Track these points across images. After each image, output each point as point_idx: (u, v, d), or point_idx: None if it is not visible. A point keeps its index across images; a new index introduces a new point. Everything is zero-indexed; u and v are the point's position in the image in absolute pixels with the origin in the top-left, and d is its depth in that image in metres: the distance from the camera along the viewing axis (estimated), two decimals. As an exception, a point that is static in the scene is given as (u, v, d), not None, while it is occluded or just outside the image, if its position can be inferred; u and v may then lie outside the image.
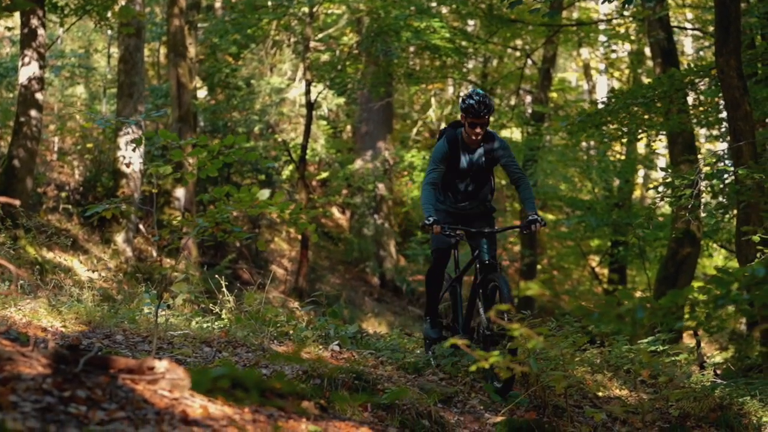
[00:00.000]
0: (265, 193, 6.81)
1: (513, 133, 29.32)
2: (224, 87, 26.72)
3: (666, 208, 23.22)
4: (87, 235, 20.44)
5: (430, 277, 9.78)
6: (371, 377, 8.11)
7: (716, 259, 26.41)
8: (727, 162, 12.79)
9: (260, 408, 5.70)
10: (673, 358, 10.20)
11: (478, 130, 8.86)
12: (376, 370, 8.67)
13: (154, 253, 20.26)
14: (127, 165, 19.73)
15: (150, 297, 10.29)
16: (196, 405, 5.25)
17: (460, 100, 8.90)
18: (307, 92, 24.40)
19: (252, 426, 5.14)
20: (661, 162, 27.43)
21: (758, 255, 10.70)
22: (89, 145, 23.57)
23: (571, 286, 29.13)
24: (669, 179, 12.39)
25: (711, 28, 19.29)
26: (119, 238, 20.22)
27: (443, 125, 29.21)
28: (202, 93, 27.30)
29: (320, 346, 9.18)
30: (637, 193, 28.69)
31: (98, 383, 5.09)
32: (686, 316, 4.93)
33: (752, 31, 15.15)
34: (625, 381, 9.94)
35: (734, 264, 17.23)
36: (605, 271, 26.95)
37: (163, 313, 9.94)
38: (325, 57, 26.63)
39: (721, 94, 13.71)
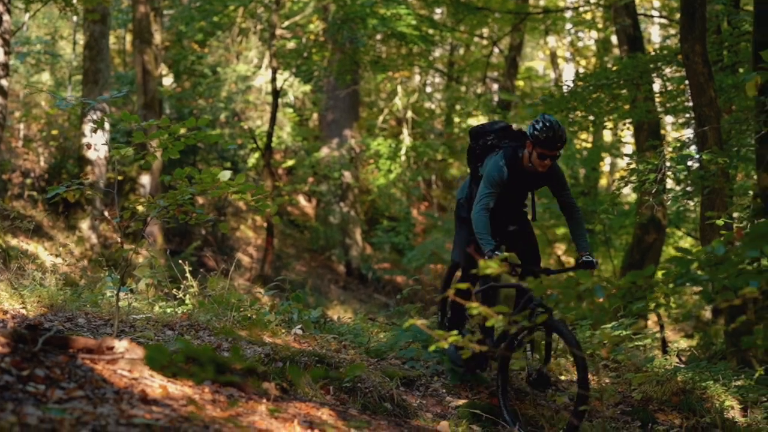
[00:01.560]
0: (226, 174, 6.77)
1: (480, 122, 29.31)
2: (190, 74, 26.58)
3: (632, 197, 23.34)
4: (52, 221, 20.29)
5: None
6: (334, 361, 8.09)
7: (681, 246, 26.54)
8: (692, 148, 12.83)
9: (220, 388, 5.66)
10: (636, 343, 10.24)
11: (548, 162, 7.92)
12: (339, 354, 8.65)
13: (119, 239, 20.15)
14: (88, 146, 19.56)
15: (112, 280, 10.21)
16: (156, 385, 5.20)
17: (531, 126, 7.90)
18: (273, 80, 24.28)
19: (211, 405, 5.10)
20: (628, 150, 27.53)
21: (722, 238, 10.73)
22: (54, 132, 23.38)
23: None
24: (634, 165, 12.42)
25: (677, 16, 19.37)
26: (84, 224, 20.09)
27: (410, 113, 29.34)
28: (168, 80, 27.13)
29: (283, 330, 9.14)
30: (603, 182, 28.79)
31: (57, 362, 5.04)
32: (646, 298, 4.92)
33: (718, 18, 15.22)
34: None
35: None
36: (571, 260, 27.03)
37: (126, 296, 9.87)
38: (291, 44, 26.52)
39: (687, 81, 13.76)
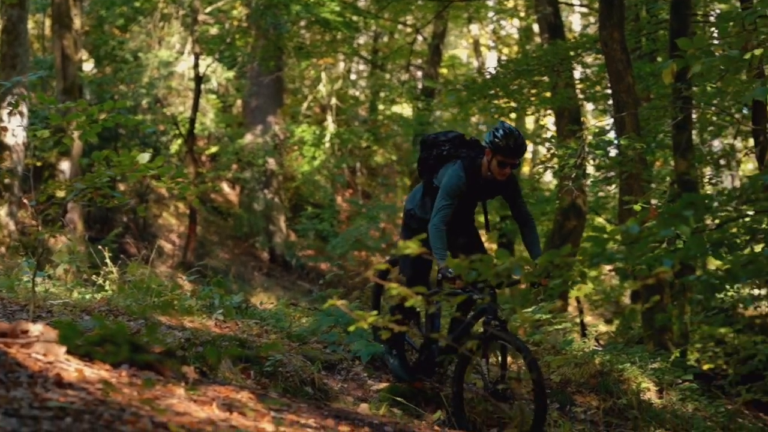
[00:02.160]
0: (145, 157, 6.71)
1: (404, 109, 29.40)
2: (111, 60, 26.25)
3: (553, 183, 23.56)
4: (-32, 209, 19.96)
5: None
6: (255, 345, 8.07)
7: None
8: (611, 135, 13.00)
9: (138, 372, 5.62)
10: (555, 327, 10.36)
11: (507, 170, 7.76)
12: (260, 339, 8.63)
13: (36, 224, 19.87)
14: (4, 130, 19.22)
15: (29, 265, 10.08)
16: (72, 368, 5.15)
17: (490, 134, 7.75)
18: (196, 66, 24.09)
19: (128, 389, 5.06)
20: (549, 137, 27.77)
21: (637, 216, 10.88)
22: (-30, 117, 22.98)
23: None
24: (554, 150, 12.55)
25: (597, 4, 19.57)
26: (2, 211, 19.78)
27: (334, 100, 29.28)
28: (88, 66, 26.78)
29: (204, 315, 9.09)
30: (525, 169, 29.00)
31: (-32, 346, 4.97)
32: (561, 274, 4.98)
33: (636, 6, 15.41)
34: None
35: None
36: (493, 246, 27.21)
37: (43, 281, 9.75)
38: (214, 30, 26.35)
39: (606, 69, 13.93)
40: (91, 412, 4.42)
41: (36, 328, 5.30)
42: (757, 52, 8.51)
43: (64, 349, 5.29)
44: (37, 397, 4.45)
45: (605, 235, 4.85)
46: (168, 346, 6.26)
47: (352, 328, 5.19)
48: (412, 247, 5.05)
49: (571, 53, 15.78)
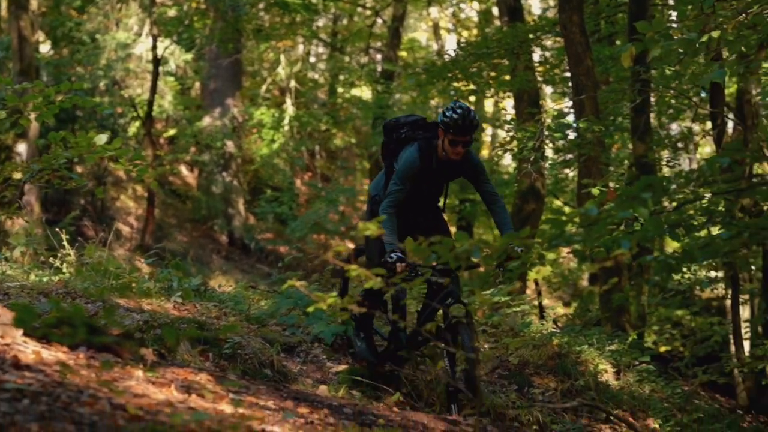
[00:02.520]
0: (102, 138, 6.66)
1: (363, 92, 29.34)
2: (68, 41, 25.99)
3: (512, 166, 23.61)
4: None
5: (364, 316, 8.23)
6: (213, 327, 8.04)
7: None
8: (570, 118, 13.06)
9: (95, 354, 5.58)
10: (514, 309, 10.41)
11: (460, 149, 7.61)
12: (219, 321, 8.60)
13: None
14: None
15: (-16, 248, 9.99)
16: (29, 350, 5.11)
17: (441, 112, 7.65)
18: (154, 48, 23.91)
19: (86, 371, 5.02)
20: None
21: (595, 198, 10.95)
22: (-77, 98, 22.68)
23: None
24: (512, 132, 12.58)
25: (556, -12, 19.60)
26: (-43, 194, 19.57)
27: (293, 83, 29.19)
28: (45, 47, 26.52)
29: (162, 298, 9.04)
30: (484, 152, 29.06)
31: (-77, 328, 4.92)
32: (520, 257, 5.00)
33: (596, -11, 15.45)
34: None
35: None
36: (453, 229, 27.27)
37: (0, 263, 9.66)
38: (172, 12, 26.14)
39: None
40: (49, 393, 4.38)
41: (-8, 310, 5.25)
42: (715, 34, 8.57)
43: (21, 331, 5.25)
44: (-7, 379, 4.41)
45: (564, 218, 4.88)
46: (126, 328, 6.23)
47: (311, 310, 5.19)
48: (371, 229, 5.05)
49: (531, 36, 15.82)
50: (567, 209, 24.18)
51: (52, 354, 5.24)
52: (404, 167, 7.75)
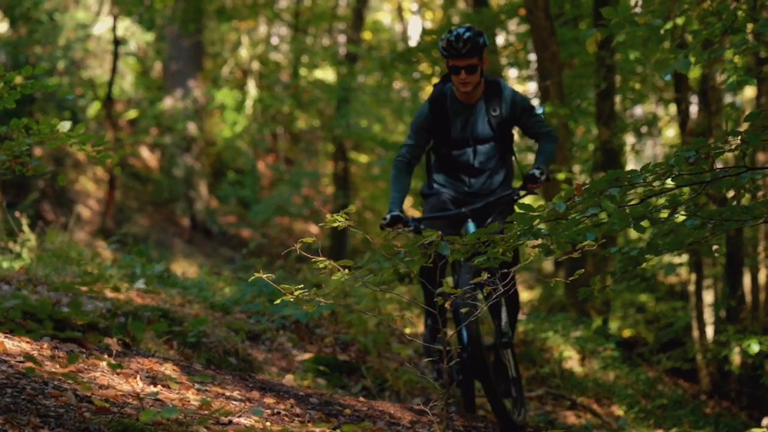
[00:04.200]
0: (65, 125, 6.55)
1: (327, 74, 29.23)
2: (26, 20, 25.68)
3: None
4: None
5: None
6: (178, 315, 7.98)
7: (525, 201, 26.97)
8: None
9: (60, 344, 5.52)
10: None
11: (463, 75, 6.50)
12: (183, 309, 8.54)
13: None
14: None
15: (-57, 233, 9.85)
16: (-9, 342, 5.05)
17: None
18: (114, 27, 23.70)
19: (51, 362, 4.97)
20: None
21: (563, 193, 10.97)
22: None
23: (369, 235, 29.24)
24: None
25: (520, -28, 19.58)
26: None
27: (255, 65, 29.06)
28: (2, 27, 26.20)
29: (126, 285, 8.96)
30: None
31: None
32: (487, 254, 5.00)
33: (561, -28, 15.45)
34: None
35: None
36: (417, 214, 27.25)
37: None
38: (132, -9, 25.90)
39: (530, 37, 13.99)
40: (14, 385, 4.34)
41: (-47, 301, 5.17)
42: (680, 21, 8.59)
43: (-18, 322, 5.18)
44: (-45, 372, 4.36)
45: (532, 213, 4.88)
46: (90, 318, 6.16)
47: (278, 302, 5.14)
48: (340, 219, 5.00)
49: (497, 20, 15.81)
50: (530, 197, 24.24)
51: (16, 344, 5.18)
52: (414, 118, 6.92)
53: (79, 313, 3.83)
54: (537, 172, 6.49)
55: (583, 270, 5.10)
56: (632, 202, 4.92)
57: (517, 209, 6.26)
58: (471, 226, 6.54)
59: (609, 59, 12.28)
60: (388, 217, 6.48)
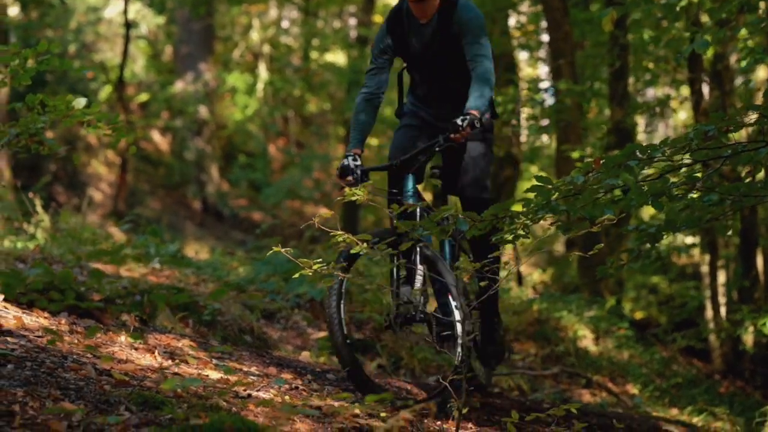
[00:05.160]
0: (81, 102, 6.54)
1: (337, 57, 29.18)
2: (38, 4, 25.68)
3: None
4: None
5: None
6: (193, 294, 7.98)
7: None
8: (545, 84, 13.06)
9: (77, 320, 5.53)
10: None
11: None
12: (198, 288, 8.55)
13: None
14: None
15: (-43, 213, 9.87)
16: (10, 316, 5.05)
17: None
18: (125, 11, 23.67)
19: (69, 337, 4.98)
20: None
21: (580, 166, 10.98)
22: None
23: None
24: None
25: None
26: (-75, 159, 19.36)
27: (266, 48, 29.02)
28: (14, 10, 26.20)
29: (140, 264, 8.97)
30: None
31: None
32: (505, 228, 4.97)
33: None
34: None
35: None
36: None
37: (-27, 230, 9.56)
38: (143, -26, 25.89)
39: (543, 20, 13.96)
40: (33, 359, 4.34)
41: (-28, 276, 5.18)
42: (695, -1, 8.57)
43: (1, 296, 5.19)
44: (-25, 345, 4.37)
45: (550, 186, 4.84)
46: (111, 290, 6.17)
47: (296, 276, 5.13)
48: (359, 195, 4.99)
49: (508, 1, 15.78)
50: (544, 174, 24.24)
51: (34, 320, 5.18)
52: (374, 40, 6.32)
53: (101, 284, 3.82)
54: (459, 121, 5.64)
55: (602, 245, 5.06)
56: (650, 178, 4.90)
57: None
58: (410, 180, 5.97)
59: (623, 38, 12.24)
60: (345, 162, 5.97)
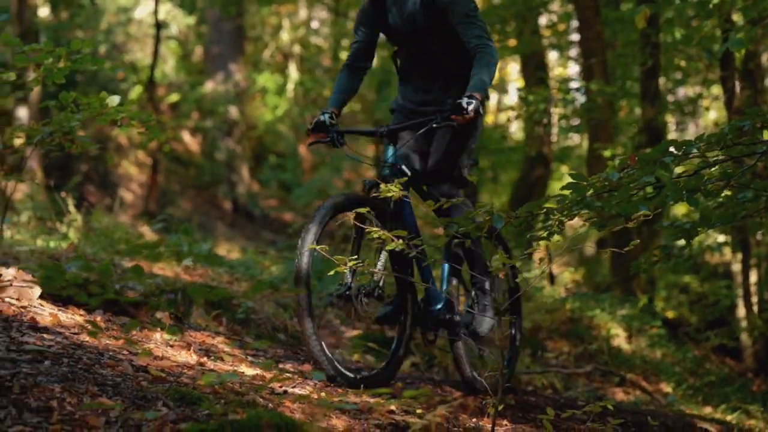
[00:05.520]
0: (115, 99, 6.58)
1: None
2: (68, 4, 25.83)
3: (518, 135, 23.56)
4: None
5: None
6: (226, 292, 8.00)
7: (566, 182, 26.86)
8: (576, 84, 13.02)
9: (112, 317, 5.55)
10: (525, 274, 10.38)
11: None
12: (232, 286, 8.57)
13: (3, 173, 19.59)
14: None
15: (-8, 211, 9.91)
16: (46, 313, 5.08)
17: None
18: (155, 11, 23.78)
19: (104, 334, 5.00)
20: (513, 86, 27.72)
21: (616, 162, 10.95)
22: None
23: (425, 211, 29.26)
24: (522, 94, 12.55)
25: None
26: (-43, 160, 19.49)
27: (296, 48, 29.06)
28: (44, 11, 26.36)
29: (173, 262, 9.00)
30: (489, 119, 28.96)
31: (-60, 290, 4.89)
32: (539, 225, 4.96)
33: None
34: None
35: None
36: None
37: (7, 228, 9.61)
38: (173, -25, 26.01)
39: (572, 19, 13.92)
40: (70, 355, 4.36)
41: (9, 273, 5.21)
42: (728, -5, 8.53)
43: (38, 293, 5.21)
44: (13, 340, 4.39)
45: (585, 183, 4.83)
46: (149, 285, 6.20)
47: (332, 273, 5.13)
48: (394, 191, 4.99)
49: (540, 1, 15.76)
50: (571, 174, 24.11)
51: (69, 316, 5.21)
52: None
53: (141, 279, 3.84)
54: (464, 102, 5.31)
55: (638, 241, 5.04)
56: (684, 175, 4.87)
57: (558, 187, 5.81)
58: (390, 151, 5.74)
59: (654, 37, 12.18)
60: (314, 120, 5.82)
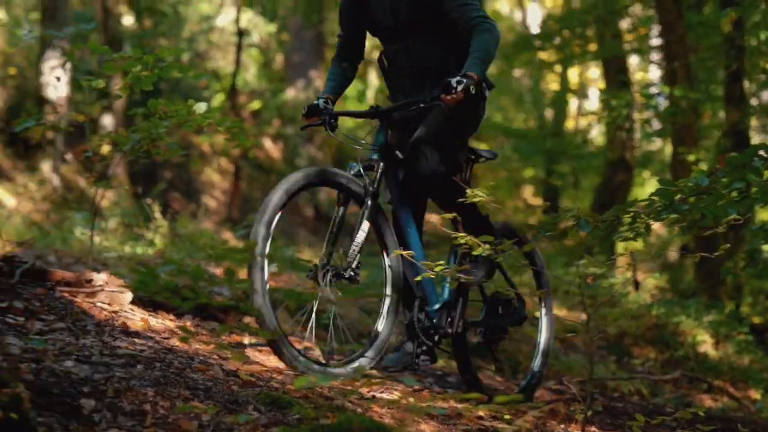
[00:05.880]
0: (201, 107, 6.65)
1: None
2: (151, 13, 26.19)
3: (599, 140, 23.39)
4: (12, 163, 20.02)
5: None
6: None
7: (648, 187, 26.63)
8: (657, 88, 12.90)
9: (201, 322, 5.62)
10: (610, 280, 10.29)
11: None
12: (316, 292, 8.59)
13: (81, 183, 19.94)
14: (58, 79, 19.11)
15: (83, 218, 10.11)
16: (137, 318, 5.15)
17: None
18: (237, 19, 24.02)
19: (194, 339, 5.06)
20: (593, 92, 27.52)
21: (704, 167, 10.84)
22: (12, 71, 22.96)
23: (506, 216, 29.05)
24: (605, 98, 12.47)
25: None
26: (46, 166, 19.82)
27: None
28: (128, 20, 26.76)
29: (258, 268, 9.06)
30: (570, 124, 28.78)
31: (35, 295, 4.98)
32: (625, 228, 4.92)
33: (687, -43, 15.20)
34: (562, 302, 10.01)
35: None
36: (538, 201, 27.07)
37: (96, 234, 9.78)
38: (255, -17, 26.25)
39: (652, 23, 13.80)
40: (161, 360, 4.42)
41: (100, 277, 5.29)
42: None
43: (129, 298, 5.30)
44: (105, 345, 4.46)
45: (674, 188, 4.79)
46: (241, 286, 6.26)
47: (419, 279, 5.14)
48: (480, 195, 4.99)
49: (620, 4, 15.64)
50: (655, 184, 23.86)
51: (159, 321, 5.28)
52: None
53: (233, 283, 3.88)
54: (454, 81, 4.94)
55: (728, 245, 4.98)
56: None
57: (640, 193, 5.83)
58: (381, 135, 5.58)
59: (739, 40, 12.01)
60: (308, 105, 5.60)
